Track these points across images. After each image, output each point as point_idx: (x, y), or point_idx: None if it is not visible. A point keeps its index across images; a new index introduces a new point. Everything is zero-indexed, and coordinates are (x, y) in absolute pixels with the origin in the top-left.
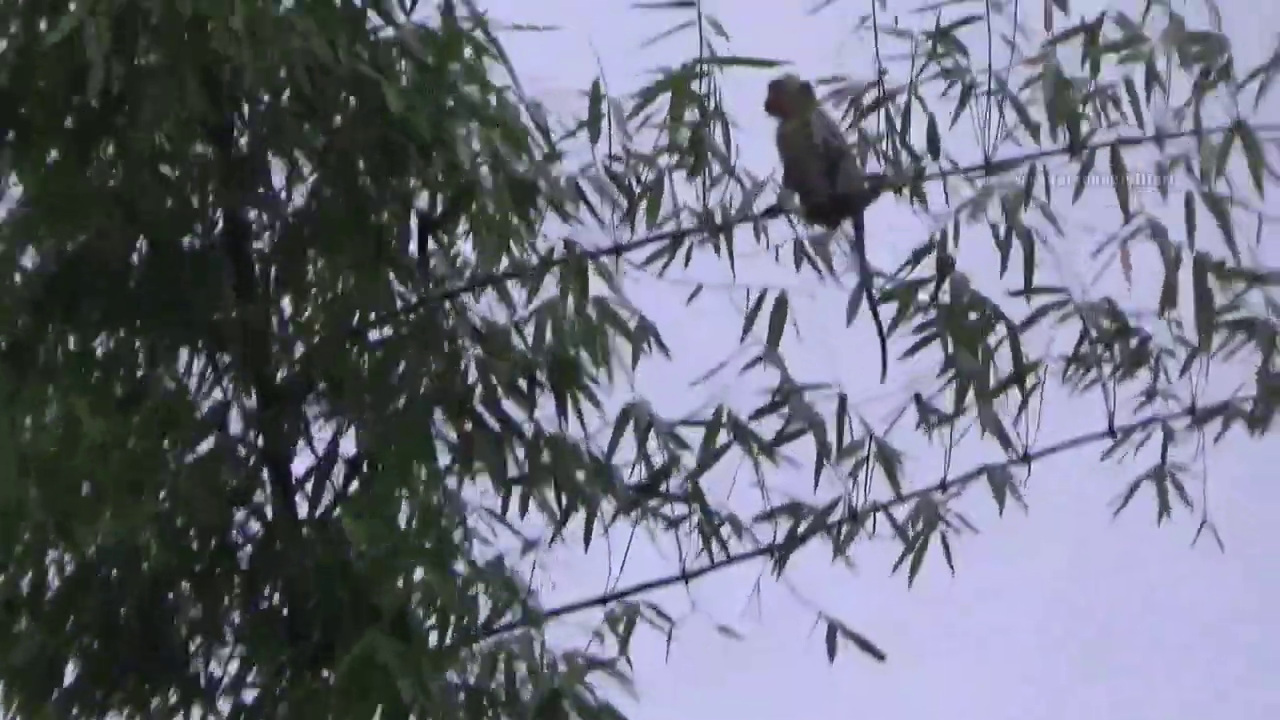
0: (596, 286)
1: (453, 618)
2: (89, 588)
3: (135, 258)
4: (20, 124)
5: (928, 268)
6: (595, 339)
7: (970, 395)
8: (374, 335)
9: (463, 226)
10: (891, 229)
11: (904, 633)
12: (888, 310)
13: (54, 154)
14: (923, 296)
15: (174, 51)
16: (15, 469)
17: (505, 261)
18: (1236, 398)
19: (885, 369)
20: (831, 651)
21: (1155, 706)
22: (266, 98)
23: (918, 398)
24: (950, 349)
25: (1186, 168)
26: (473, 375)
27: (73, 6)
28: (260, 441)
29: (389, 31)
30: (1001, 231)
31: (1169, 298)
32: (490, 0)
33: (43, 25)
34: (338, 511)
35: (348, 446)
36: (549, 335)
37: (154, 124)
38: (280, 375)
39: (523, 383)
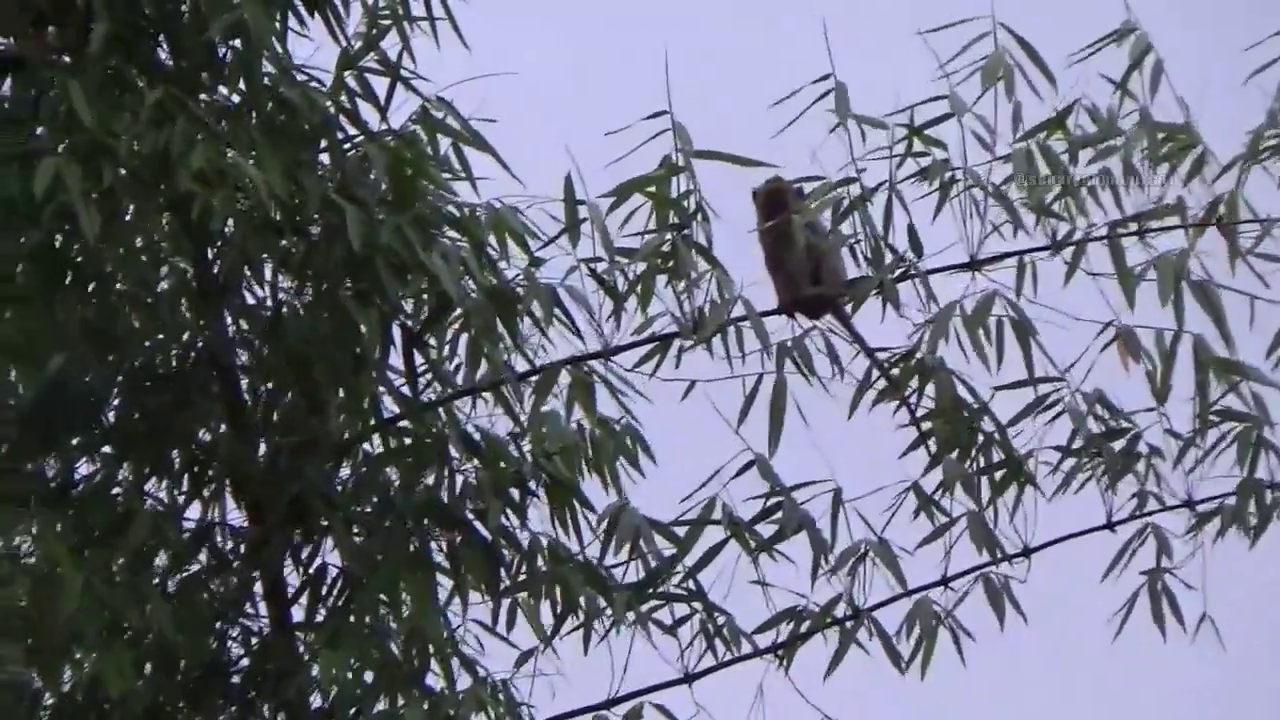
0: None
1: None
2: (83, 713)
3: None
4: None
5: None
6: (602, 458)
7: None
8: (362, 447)
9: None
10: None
11: None
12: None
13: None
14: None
15: (142, 190)
16: None
17: (487, 369)
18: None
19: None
20: None
21: None
22: (232, 224)
23: (916, 488)
24: (934, 451)
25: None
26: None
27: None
28: (250, 559)
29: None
30: (992, 329)
31: (1163, 392)
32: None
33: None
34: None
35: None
36: (545, 445)
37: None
38: (267, 491)
39: (515, 492)
